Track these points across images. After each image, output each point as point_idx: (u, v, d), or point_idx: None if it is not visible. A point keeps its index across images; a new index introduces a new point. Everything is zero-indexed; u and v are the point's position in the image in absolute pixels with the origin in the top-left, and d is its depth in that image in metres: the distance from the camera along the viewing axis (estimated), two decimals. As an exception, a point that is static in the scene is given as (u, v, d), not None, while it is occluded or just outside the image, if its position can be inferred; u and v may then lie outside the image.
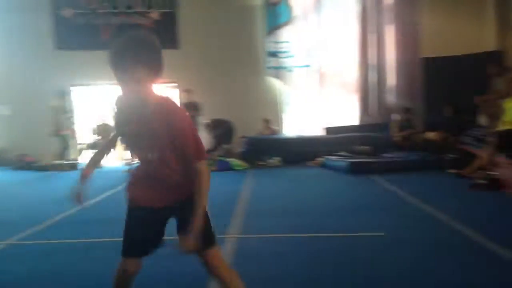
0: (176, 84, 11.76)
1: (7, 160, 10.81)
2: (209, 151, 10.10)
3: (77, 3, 11.39)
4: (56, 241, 4.10)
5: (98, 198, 6.29)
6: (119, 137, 2.11)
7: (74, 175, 9.28)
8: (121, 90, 1.96)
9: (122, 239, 2.16)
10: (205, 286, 2.84)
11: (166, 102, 2.03)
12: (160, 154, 2.00)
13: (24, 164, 10.32)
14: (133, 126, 2.00)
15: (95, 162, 2.26)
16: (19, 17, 11.15)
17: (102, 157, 2.29)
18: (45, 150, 10.82)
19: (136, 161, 2.16)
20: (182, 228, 2.13)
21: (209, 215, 2.14)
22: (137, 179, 2.13)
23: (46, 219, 4.94)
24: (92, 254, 3.76)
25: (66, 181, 8.28)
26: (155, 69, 1.95)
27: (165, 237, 2.28)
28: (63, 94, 9.76)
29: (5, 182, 8.71)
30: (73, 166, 10.02)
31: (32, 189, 7.59)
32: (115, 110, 2.06)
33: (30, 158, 10.48)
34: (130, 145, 2.09)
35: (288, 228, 4.36)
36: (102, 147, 2.29)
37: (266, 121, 10.87)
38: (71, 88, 11.62)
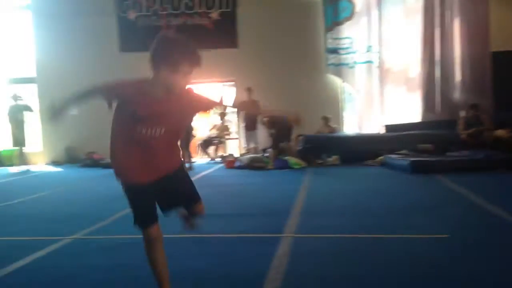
0: (233, 83, 11.89)
1: (76, 158, 11.39)
2: (266, 149, 10.16)
3: (139, 5, 11.77)
4: (118, 236, 4.26)
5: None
6: (132, 114, 2.26)
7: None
8: (159, 76, 2.28)
9: (133, 214, 2.45)
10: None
11: (190, 90, 2.49)
12: (174, 128, 2.36)
13: (92, 162, 10.82)
14: (165, 105, 2.29)
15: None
16: (86, 21, 11.71)
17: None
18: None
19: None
20: (175, 193, 2.55)
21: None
22: (130, 158, 2.35)
23: (110, 215, 5.14)
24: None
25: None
26: (193, 65, 2.32)
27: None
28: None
29: (73, 179, 9.17)
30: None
31: (98, 185, 7.93)
32: (138, 90, 2.30)
33: (97, 156, 10.97)
34: (146, 122, 2.28)
35: (346, 228, 4.28)
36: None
37: (325, 119, 10.72)
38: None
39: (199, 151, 11.98)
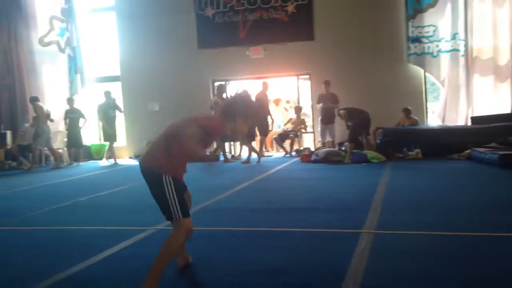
0: (308, 76, 11.77)
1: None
2: (343, 142, 9.97)
3: (217, 2, 11.99)
4: (197, 228, 4.36)
5: (237, 188, 6.57)
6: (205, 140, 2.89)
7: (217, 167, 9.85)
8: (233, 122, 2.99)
9: (179, 206, 2.81)
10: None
11: None
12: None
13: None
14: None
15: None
16: (166, 20, 12.14)
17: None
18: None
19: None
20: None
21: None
22: (182, 163, 2.93)
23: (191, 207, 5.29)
24: (224, 241, 3.93)
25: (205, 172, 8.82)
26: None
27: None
28: (223, 91, 10.31)
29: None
30: (212, 158, 10.62)
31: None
32: (221, 130, 3.06)
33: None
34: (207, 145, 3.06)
35: (429, 225, 4.08)
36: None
37: (406, 111, 10.30)
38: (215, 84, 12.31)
39: (275, 145, 12.05)
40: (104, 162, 11.62)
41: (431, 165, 8.30)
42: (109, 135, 11.34)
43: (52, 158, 11.97)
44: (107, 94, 11.41)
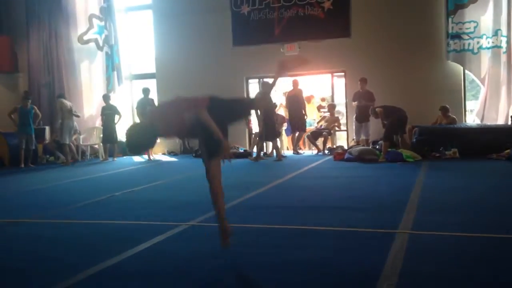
0: (343, 73, 11.62)
1: (191, 149, 11.99)
2: (377, 141, 9.79)
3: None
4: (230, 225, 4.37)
5: (269, 185, 6.55)
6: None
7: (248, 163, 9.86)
8: None
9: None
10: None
11: None
12: None
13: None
14: None
15: None
16: (201, 17, 12.22)
17: None
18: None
19: None
20: None
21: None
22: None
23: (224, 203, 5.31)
24: (256, 238, 3.92)
25: (238, 169, 8.85)
26: None
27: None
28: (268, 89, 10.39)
29: (188, 168, 9.62)
30: (245, 155, 10.68)
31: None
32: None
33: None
34: None
35: (468, 227, 3.96)
36: None
37: (444, 109, 10.02)
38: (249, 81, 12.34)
39: (307, 143, 11.96)
40: (139, 158, 11.82)
41: (468, 165, 8.06)
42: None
43: (88, 153, 12.28)
44: (145, 90, 11.57)
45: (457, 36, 10.68)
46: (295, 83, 11.08)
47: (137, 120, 12.06)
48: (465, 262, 3.10)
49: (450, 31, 10.71)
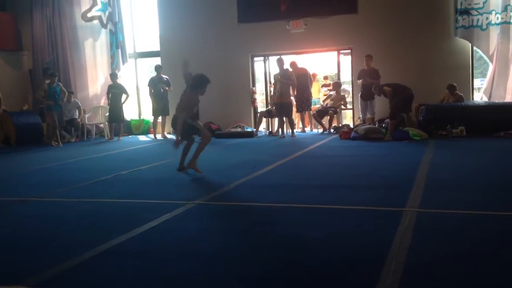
0: (349, 51, 11.48)
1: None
2: (384, 119, 9.73)
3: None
4: (236, 203, 4.38)
5: (276, 164, 6.54)
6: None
7: (247, 142, 9.84)
8: None
9: None
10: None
11: None
12: None
13: (209, 131, 11.26)
14: None
15: None
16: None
17: None
18: (226, 119, 11.70)
19: None
20: None
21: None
22: None
23: (230, 182, 5.33)
24: (264, 217, 3.92)
25: (244, 148, 8.83)
26: None
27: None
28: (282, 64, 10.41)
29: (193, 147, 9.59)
30: (250, 134, 10.67)
31: (216, 154, 8.25)
32: None
33: (214, 126, 11.42)
34: None
35: (472, 204, 3.95)
36: None
37: (451, 87, 9.89)
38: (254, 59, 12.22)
39: (313, 122, 11.89)
40: (146, 138, 11.81)
41: (476, 143, 8.01)
42: (154, 110, 11.43)
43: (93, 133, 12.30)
44: (158, 68, 11.43)
45: (466, 11, 10.47)
46: (293, 64, 10.99)
47: (146, 99, 11.96)
48: (472, 239, 3.09)
49: (458, 7, 10.50)
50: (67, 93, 11.49)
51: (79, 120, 11.91)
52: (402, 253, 2.84)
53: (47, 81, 10.79)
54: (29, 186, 5.80)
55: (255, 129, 11.21)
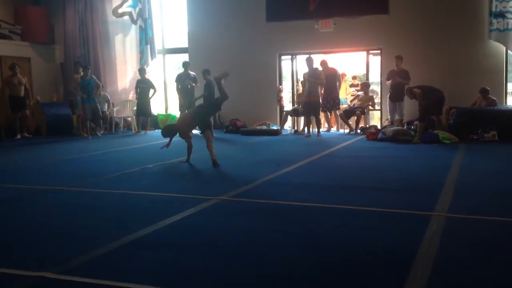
0: (379, 51, 11.32)
1: (222, 124, 12.00)
2: (413, 121, 9.56)
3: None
4: (260, 201, 4.36)
5: (301, 163, 6.50)
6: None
7: (273, 140, 9.82)
8: None
9: None
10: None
11: None
12: None
13: (234, 128, 11.32)
14: None
15: None
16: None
17: None
18: (252, 116, 11.70)
19: None
20: None
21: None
22: None
23: (254, 180, 5.31)
24: (289, 215, 3.89)
25: (269, 146, 8.81)
26: None
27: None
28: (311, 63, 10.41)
29: (218, 143, 9.63)
30: (276, 132, 10.64)
31: (240, 151, 8.25)
32: None
33: (240, 123, 11.43)
34: None
35: (503, 211, 3.84)
36: None
37: (484, 91, 9.64)
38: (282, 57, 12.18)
39: (339, 122, 11.78)
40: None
41: (508, 148, 7.78)
42: (181, 105, 11.50)
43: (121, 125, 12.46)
44: (185, 64, 11.50)
45: (501, 14, 10.19)
46: (323, 63, 10.91)
47: (173, 95, 12.02)
48: (504, 248, 3.00)
49: (493, 10, 10.23)
50: (101, 86, 11.69)
51: (107, 113, 12.10)
52: (430, 258, 2.77)
53: (80, 74, 11.01)
54: (58, 176, 5.92)
55: (279, 127, 11.18)
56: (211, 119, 7.84)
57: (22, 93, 10.95)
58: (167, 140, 6.95)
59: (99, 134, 11.31)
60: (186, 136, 6.64)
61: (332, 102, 11.04)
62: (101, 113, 11.39)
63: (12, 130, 10.97)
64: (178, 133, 6.67)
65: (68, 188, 5.10)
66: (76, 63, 12.02)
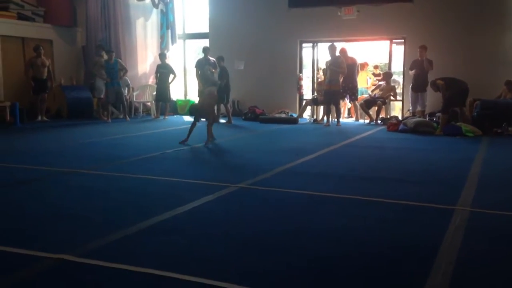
0: (402, 40, 11.10)
1: (241, 111, 11.95)
2: (435, 113, 9.38)
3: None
4: (277, 189, 4.32)
5: (320, 152, 6.44)
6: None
7: (291, 128, 9.74)
8: None
9: None
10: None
11: None
12: None
13: (253, 115, 11.25)
14: None
15: None
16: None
17: None
18: (271, 104, 11.63)
19: None
20: None
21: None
22: None
23: (271, 168, 5.27)
24: (306, 205, 3.85)
25: (287, 134, 8.74)
26: None
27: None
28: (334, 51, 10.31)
29: (236, 131, 9.60)
30: (294, 121, 10.55)
31: (258, 138, 8.20)
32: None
33: (259, 110, 11.37)
34: None
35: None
36: None
37: (510, 83, 9.38)
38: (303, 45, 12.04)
39: (359, 111, 11.63)
40: (190, 118, 11.88)
41: (534, 143, 7.59)
42: (200, 91, 11.45)
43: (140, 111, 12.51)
44: (205, 50, 11.42)
45: (533, 5, 9.87)
46: (343, 51, 10.73)
47: (193, 80, 11.98)
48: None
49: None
50: (126, 70, 11.69)
51: (127, 97, 12.14)
52: (453, 253, 2.70)
53: (103, 57, 11.05)
54: (78, 159, 5.96)
55: (297, 116, 11.09)
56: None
57: (45, 75, 11.03)
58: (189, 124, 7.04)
59: (127, 118, 11.35)
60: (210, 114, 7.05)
61: (350, 91, 10.90)
62: (124, 98, 11.43)
63: (33, 111, 11.09)
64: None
65: (88, 171, 5.13)
66: (97, 46, 12.05)
